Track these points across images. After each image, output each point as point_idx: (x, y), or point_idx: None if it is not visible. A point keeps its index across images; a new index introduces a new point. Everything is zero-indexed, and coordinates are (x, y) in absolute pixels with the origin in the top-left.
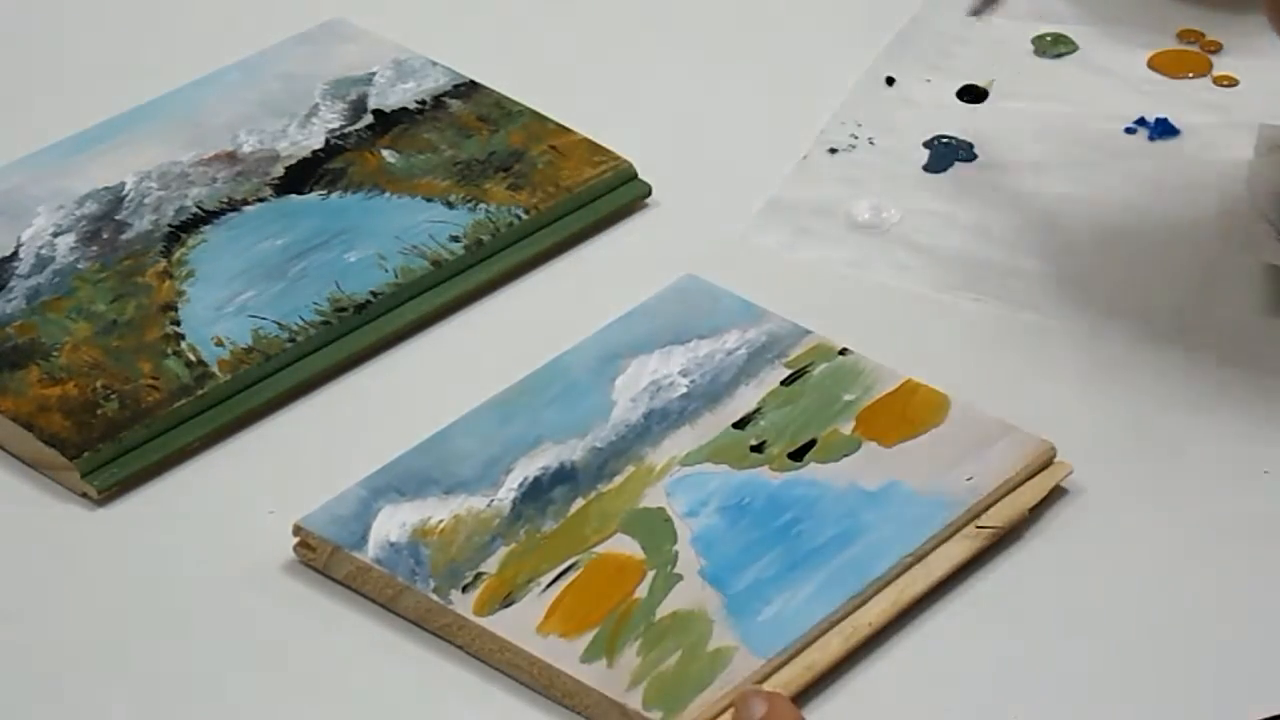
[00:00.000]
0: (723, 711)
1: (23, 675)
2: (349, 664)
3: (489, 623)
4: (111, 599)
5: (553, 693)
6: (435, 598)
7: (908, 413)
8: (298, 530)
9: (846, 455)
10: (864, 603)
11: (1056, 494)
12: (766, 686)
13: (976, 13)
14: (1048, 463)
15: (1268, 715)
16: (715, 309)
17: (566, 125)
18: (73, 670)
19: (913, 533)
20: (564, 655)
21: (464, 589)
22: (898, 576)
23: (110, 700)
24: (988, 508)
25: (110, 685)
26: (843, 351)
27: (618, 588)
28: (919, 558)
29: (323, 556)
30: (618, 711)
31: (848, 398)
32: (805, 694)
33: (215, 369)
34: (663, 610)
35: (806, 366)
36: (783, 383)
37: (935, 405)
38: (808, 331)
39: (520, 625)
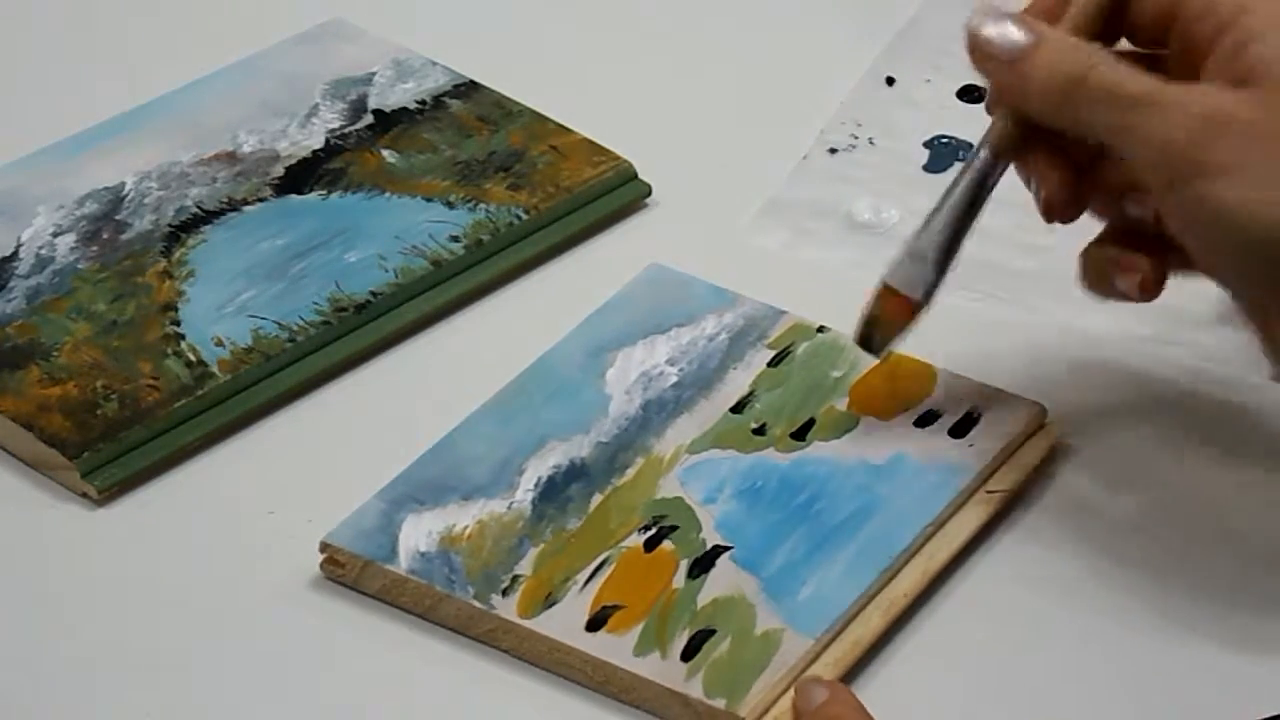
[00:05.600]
0: (782, 694)
1: (22, 675)
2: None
3: (536, 624)
4: (111, 600)
5: (608, 689)
6: (477, 604)
7: (898, 385)
8: (325, 547)
9: (848, 431)
10: (895, 575)
11: (1052, 455)
12: (818, 665)
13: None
14: (1040, 424)
15: (1268, 716)
16: (687, 296)
17: (566, 125)
18: (73, 671)
19: (929, 502)
20: (617, 650)
21: (503, 593)
22: (922, 546)
23: (111, 701)
24: (993, 472)
25: (111, 686)
26: (820, 329)
27: (655, 579)
28: (939, 526)
29: (353, 572)
30: (679, 702)
31: (836, 374)
32: (852, 671)
33: (215, 369)
34: (703, 598)
35: (789, 346)
36: (769, 364)
37: (924, 376)
38: (783, 312)
39: (567, 624)
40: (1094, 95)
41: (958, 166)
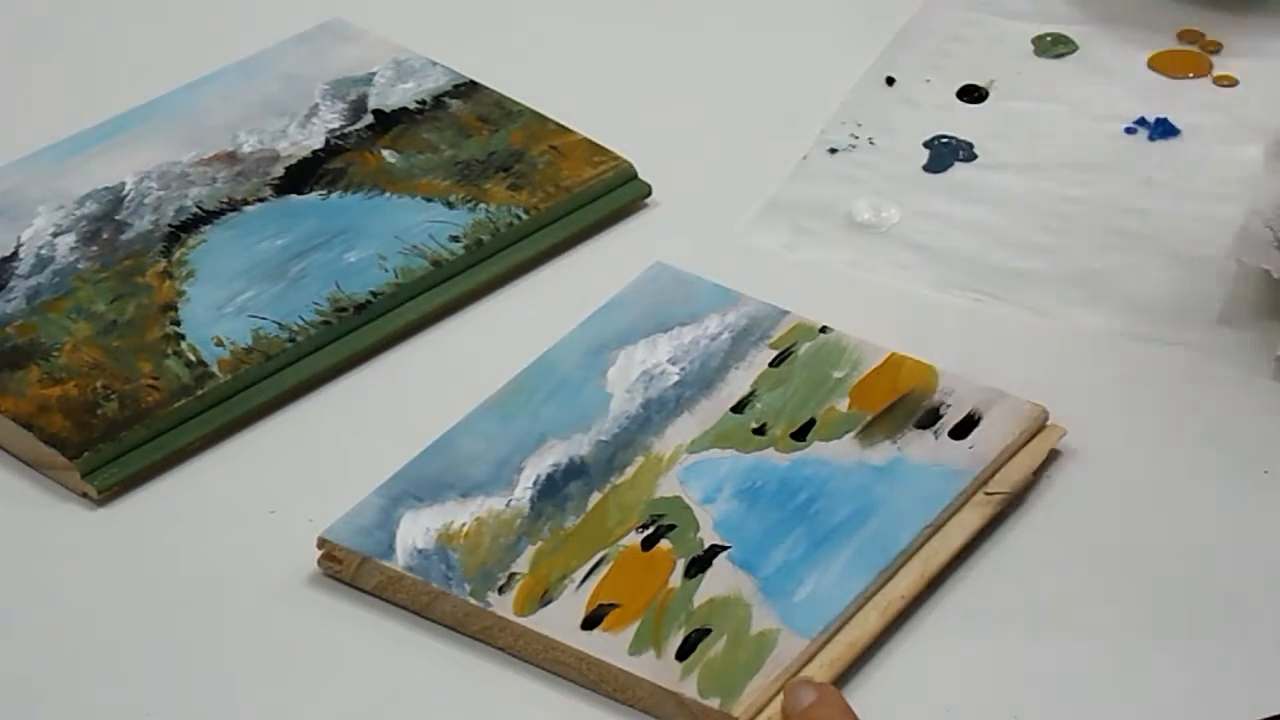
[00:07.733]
0: (776, 694)
1: (22, 675)
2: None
3: (531, 622)
4: (111, 599)
5: (603, 688)
6: (473, 601)
7: (899, 386)
8: (322, 543)
9: (848, 432)
10: (892, 576)
11: (1053, 457)
12: (812, 666)
13: None
14: (1041, 426)
15: (1268, 716)
16: (690, 295)
17: (566, 125)
18: (73, 671)
19: (927, 504)
20: (612, 649)
21: (500, 590)
22: (920, 548)
23: (111, 702)
24: (993, 474)
25: (111, 685)
26: (823, 329)
27: (651, 578)
28: (937, 528)
29: (350, 568)
30: (673, 701)
31: (837, 375)
32: (848, 672)
33: (215, 369)
34: (700, 597)
35: (791, 347)
36: (771, 364)
37: (925, 376)
38: (785, 312)
39: (563, 622)
40: None
41: (958, 166)
